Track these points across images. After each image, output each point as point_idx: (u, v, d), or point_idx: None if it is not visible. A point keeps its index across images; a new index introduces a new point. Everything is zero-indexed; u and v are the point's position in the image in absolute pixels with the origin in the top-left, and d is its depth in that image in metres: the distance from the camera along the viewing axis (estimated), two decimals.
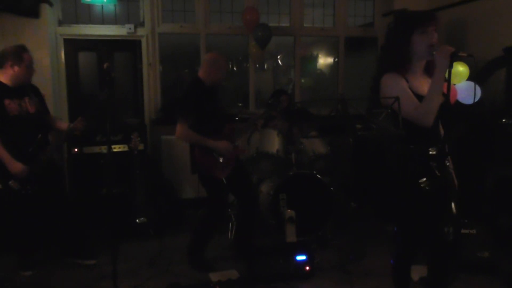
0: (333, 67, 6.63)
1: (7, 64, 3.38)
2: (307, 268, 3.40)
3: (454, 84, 3.92)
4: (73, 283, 3.36)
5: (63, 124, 3.77)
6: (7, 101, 3.36)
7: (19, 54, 3.40)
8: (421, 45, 2.30)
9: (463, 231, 3.54)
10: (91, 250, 3.78)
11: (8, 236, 3.70)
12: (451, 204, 2.43)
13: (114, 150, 4.57)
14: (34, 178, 3.39)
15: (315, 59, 7.20)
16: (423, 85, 2.37)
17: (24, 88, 3.51)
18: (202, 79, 3.54)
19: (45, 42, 4.88)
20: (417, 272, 3.10)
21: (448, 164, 2.46)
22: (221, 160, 3.48)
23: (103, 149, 4.59)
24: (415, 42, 2.32)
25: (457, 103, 3.94)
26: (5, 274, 3.51)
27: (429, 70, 2.41)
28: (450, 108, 2.31)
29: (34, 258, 3.63)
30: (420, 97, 2.29)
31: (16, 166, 3.31)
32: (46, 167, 3.47)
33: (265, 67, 6.58)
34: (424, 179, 2.33)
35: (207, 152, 3.44)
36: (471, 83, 3.92)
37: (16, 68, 3.38)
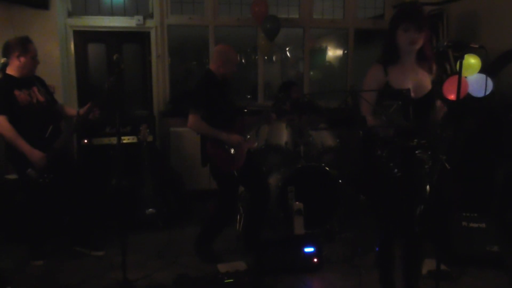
0: (342, 59, 6.59)
1: (13, 55, 3.39)
2: (315, 260, 3.41)
3: (465, 77, 3.88)
4: (83, 273, 3.38)
5: (72, 110, 3.79)
6: (17, 92, 3.39)
7: (25, 45, 3.42)
8: (402, 41, 2.43)
9: (472, 225, 3.53)
10: (99, 241, 3.82)
11: (19, 226, 3.74)
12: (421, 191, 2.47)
13: (123, 141, 4.59)
14: (49, 167, 3.42)
15: (324, 51, 7.15)
16: (407, 77, 2.46)
17: (31, 78, 3.54)
18: (214, 71, 3.53)
19: (54, 34, 4.91)
20: (425, 266, 3.09)
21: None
22: (232, 153, 3.48)
23: (112, 140, 4.61)
24: (398, 38, 2.45)
25: (468, 96, 3.90)
26: (15, 264, 3.54)
27: (420, 61, 2.51)
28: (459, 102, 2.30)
29: (45, 248, 3.67)
30: (394, 90, 2.41)
31: (35, 154, 3.34)
32: (59, 156, 3.50)
33: (274, 59, 6.55)
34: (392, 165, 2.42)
35: (219, 145, 3.44)
36: (483, 76, 3.87)
37: (22, 59, 3.40)
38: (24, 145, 3.33)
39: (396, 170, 2.38)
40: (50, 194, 3.52)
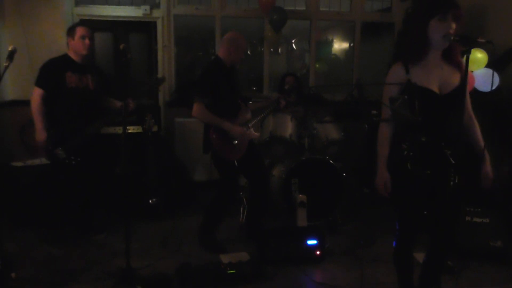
0: (348, 52, 6.56)
1: (68, 39, 3.62)
2: (318, 252, 3.42)
3: (472, 71, 3.86)
4: (87, 259, 3.42)
5: (117, 103, 3.87)
6: (68, 73, 3.54)
7: (73, 27, 3.64)
8: (437, 33, 2.21)
9: (476, 219, 3.52)
10: (102, 227, 3.89)
11: (27, 211, 3.82)
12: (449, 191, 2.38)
13: (128, 131, 4.59)
14: (79, 149, 3.54)
15: (330, 43, 7.12)
16: (432, 74, 2.29)
17: (89, 66, 3.70)
18: (222, 58, 3.53)
19: (61, 22, 4.91)
20: (420, 257, 3.09)
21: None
22: (234, 143, 3.49)
23: (118, 130, 4.61)
24: (431, 29, 2.22)
25: (474, 90, 3.88)
26: (20, 249, 3.57)
27: (447, 57, 2.32)
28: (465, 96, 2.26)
29: (62, 233, 3.80)
30: (420, 89, 2.23)
31: (42, 135, 3.48)
32: (92, 141, 3.63)
33: (279, 51, 6.53)
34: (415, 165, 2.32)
35: (221, 133, 3.45)
36: (489, 71, 3.85)
37: (70, 41, 3.60)
38: (39, 122, 3.48)
39: (423, 170, 2.31)
40: (74, 176, 3.65)
